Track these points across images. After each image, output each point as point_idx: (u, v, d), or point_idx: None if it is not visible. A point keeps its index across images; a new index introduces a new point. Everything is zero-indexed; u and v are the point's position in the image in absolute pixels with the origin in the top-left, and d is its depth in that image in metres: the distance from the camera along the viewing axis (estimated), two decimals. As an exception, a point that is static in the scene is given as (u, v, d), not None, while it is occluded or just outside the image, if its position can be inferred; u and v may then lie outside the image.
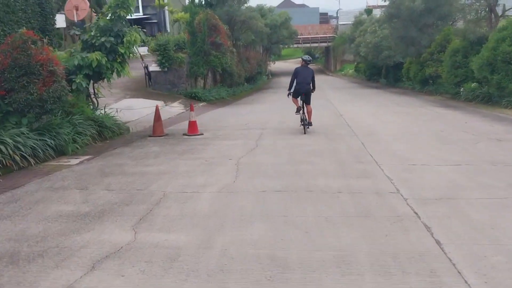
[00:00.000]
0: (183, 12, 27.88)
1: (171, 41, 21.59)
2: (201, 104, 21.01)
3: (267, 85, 39.77)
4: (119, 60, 11.73)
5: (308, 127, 11.99)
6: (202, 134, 12.26)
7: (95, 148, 10.43)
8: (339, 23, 56.40)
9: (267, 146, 10.21)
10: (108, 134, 11.50)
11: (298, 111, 12.20)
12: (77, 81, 10.88)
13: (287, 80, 45.09)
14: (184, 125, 13.48)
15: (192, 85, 22.60)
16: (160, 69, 21.50)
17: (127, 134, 12.45)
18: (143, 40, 11.97)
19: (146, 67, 22.01)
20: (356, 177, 7.20)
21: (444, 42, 24.53)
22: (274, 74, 53.68)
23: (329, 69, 58.38)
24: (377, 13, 45.15)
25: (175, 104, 19.87)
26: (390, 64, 32.25)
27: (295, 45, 56.50)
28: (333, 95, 26.37)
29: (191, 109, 12.48)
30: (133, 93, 21.05)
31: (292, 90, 12.23)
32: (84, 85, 10.98)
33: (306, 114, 12.07)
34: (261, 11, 35.15)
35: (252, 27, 30.34)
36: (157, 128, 12.25)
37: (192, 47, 21.65)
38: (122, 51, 11.33)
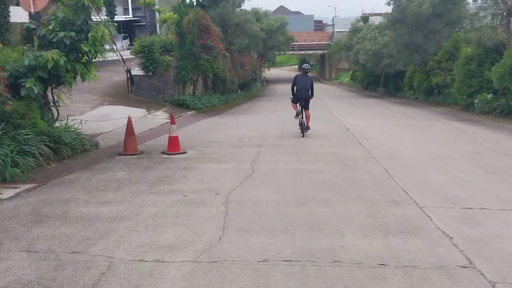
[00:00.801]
0: (171, 12, 25.53)
1: (156, 43, 19.23)
2: (190, 113, 18.63)
3: (261, 93, 37.48)
4: (83, 60, 9.34)
5: (306, 131, 12.25)
6: (185, 152, 9.90)
7: (46, 171, 8.01)
8: (335, 30, 54.40)
9: (266, 173, 7.84)
10: (66, 153, 9.07)
11: (297, 115, 12.49)
12: (27, 86, 8.49)
13: (282, 87, 42.75)
14: (167, 139, 11.18)
15: (179, 91, 20.23)
16: (144, 73, 19.11)
17: (93, 151, 10.03)
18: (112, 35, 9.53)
19: (128, 71, 19.62)
20: (398, 233, 4.86)
21: (453, 50, 22.44)
22: (269, 81, 51.45)
23: (324, 77, 56.32)
24: (375, 20, 43.18)
25: (159, 112, 17.47)
26: (391, 72, 30.11)
27: (290, 52, 54.36)
28: (333, 104, 24.12)
29: (172, 122, 10.08)
30: (113, 99, 18.65)
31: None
32: (36, 91, 8.57)
33: (304, 118, 12.30)
34: (256, 14, 32.91)
35: (246, 31, 28.06)
36: (129, 145, 9.85)
37: (180, 50, 19.30)
38: (86, 49, 8.92)
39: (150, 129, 14.28)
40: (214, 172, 7.91)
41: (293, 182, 7.17)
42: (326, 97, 30.58)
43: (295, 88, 12.51)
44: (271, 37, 36.30)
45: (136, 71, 19.37)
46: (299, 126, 12.39)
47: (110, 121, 15.15)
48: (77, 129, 10.09)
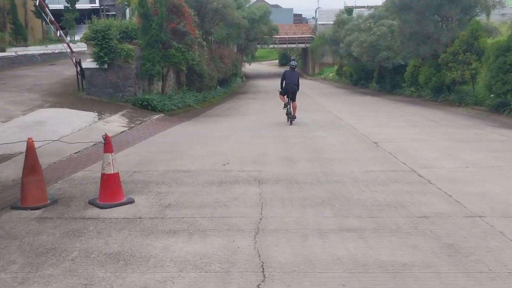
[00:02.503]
0: (136, -7, 20.72)
1: (114, 27, 14.51)
2: (156, 116, 14.03)
3: (243, 89, 32.93)
4: None
5: (293, 119, 12.92)
6: (131, 201, 5.42)
7: None
8: (318, 23, 50.10)
9: (290, 272, 3.46)
10: None
11: (285, 106, 13.15)
12: None
13: (264, 83, 37.94)
14: (118, 160, 6.72)
15: (144, 88, 15.57)
16: (97, 66, 14.39)
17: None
18: None
19: (77, 63, 14.86)
20: None
21: (471, 40, 18.37)
22: (249, 77, 46.87)
23: (306, 72, 52.06)
24: (360, 11, 39.11)
25: (115, 117, 12.82)
26: (388, 67, 25.98)
27: (271, 46, 49.75)
28: (330, 104, 19.81)
29: (107, 149, 5.46)
30: (58, 100, 13.90)
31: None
32: None
33: (292, 109, 12.96)
34: (237, 1, 28.29)
35: (227, 18, 23.46)
36: (30, 191, 5.26)
37: (144, 36, 14.64)
38: None
39: (95, 143, 9.67)
40: (178, 269, 3.48)
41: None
42: (316, 95, 26.28)
43: (284, 82, 13.22)
44: (254, 27, 31.70)
45: (88, 63, 14.63)
46: (287, 116, 13.13)
47: (45, 128, 10.61)
48: None
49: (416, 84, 24.01)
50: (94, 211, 5.13)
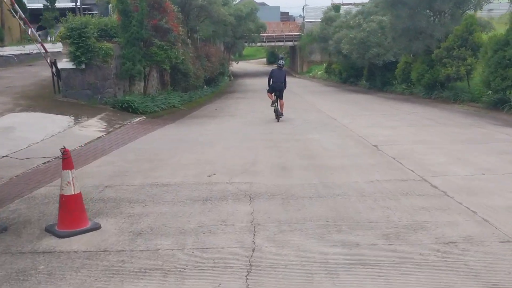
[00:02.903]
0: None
1: (91, 25, 13.47)
2: (138, 119, 13.02)
3: (231, 88, 31.96)
4: None
5: (281, 116, 13.08)
6: (96, 227, 4.47)
7: None
8: (306, 20, 49.26)
9: None
10: None
11: (272, 104, 13.30)
12: None
13: (252, 82, 36.88)
14: (87, 174, 5.80)
15: (125, 89, 14.55)
16: (74, 67, 13.35)
17: None
18: None
19: (53, 64, 13.80)
20: None
21: (466, 35, 17.63)
22: (237, 75, 45.88)
23: (295, 70, 51.19)
24: (347, 8, 38.36)
25: (93, 121, 11.80)
26: (379, 64, 25.21)
27: (259, 44, 48.81)
28: (320, 102, 18.97)
29: (66, 165, 4.47)
30: (31, 103, 12.84)
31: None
32: None
33: (279, 106, 13.15)
34: (223, -1, 27.32)
35: (212, 15, 22.47)
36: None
37: (124, 33, 13.63)
38: None
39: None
40: None
41: None
42: (305, 93, 25.45)
43: (271, 80, 13.41)
44: (241, 25, 30.70)
45: (64, 63, 13.56)
46: (274, 113, 13.23)
47: (14, 135, 9.64)
48: None
49: (407, 81, 23.30)
50: (49, 242, 4.18)
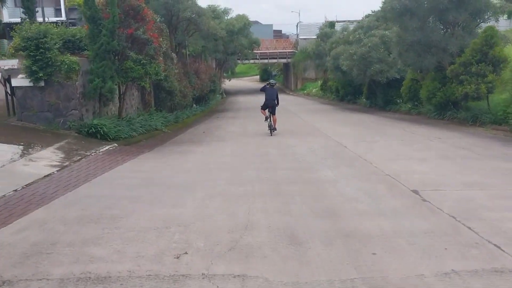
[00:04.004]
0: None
1: (53, 34, 10.97)
2: (107, 148, 10.45)
3: (222, 107, 29.49)
4: None
5: (274, 131, 13.52)
6: None
7: None
8: (300, 37, 47.19)
9: None
10: None
11: (266, 119, 13.80)
12: None
13: (245, 99, 34.24)
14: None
15: (95, 111, 11.99)
16: (31, 84, 10.81)
17: None
18: None
19: (6, 80, 11.26)
20: None
21: (486, 48, 15.35)
22: (229, 93, 43.50)
23: (288, 87, 48.93)
24: (348, 25, 36.28)
25: (47, 152, 9.21)
26: (382, 81, 22.91)
27: (252, 61, 46.62)
28: (323, 124, 16.49)
29: None
30: (-26, 128, 10.24)
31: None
32: None
33: (272, 122, 13.58)
34: (214, 13, 25.05)
35: (201, 28, 20.10)
36: None
37: (92, 45, 11.15)
38: None
39: (2, 196, 6.07)
40: None
41: None
42: (303, 113, 23.04)
43: (264, 97, 13.93)
44: (233, 40, 28.36)
45: (19, 80, 11.01)
46: (267, 128, 13.64)
47: None
48: None
49: (414, 100, 21.04)
50: None
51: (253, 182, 7.03)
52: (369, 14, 32.99)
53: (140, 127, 13.33)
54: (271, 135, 13.13)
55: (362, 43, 23.92)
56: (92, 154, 9.71)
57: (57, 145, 9.84)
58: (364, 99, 27.74)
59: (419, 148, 10.27)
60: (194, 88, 21.36)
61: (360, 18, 36.14)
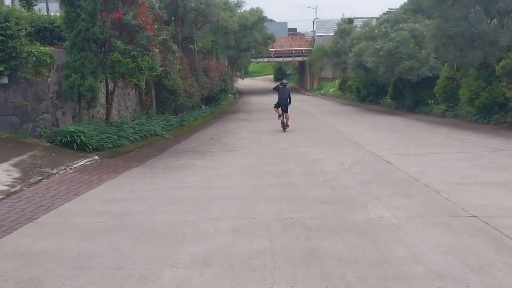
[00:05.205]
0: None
1: (17, 18, 8.64)
2: (83, 162, 8.08)
3: (234, 107, 27.06)
4: None
5: (287, 127, 13.89)
6: None
7: None
8: (316, 34, 44.56)
9: None
10: None
11: (279, 117, 14.20)
12: None
13: (259, 100, 30.94)
14: None
15: (74, 113, 9.63)
16: (-9, 81, 8.50)
17: None
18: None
19: (-39, 76, 8.94)
20: None
21: (547, 40, 12.66)
22: (241, 93, 41.08)
23: (304, 87, 46.29)
24: (369, 20, 33.58)
25: (1, 169, 6.88)
26: (413, 79, 20.21)
27: (266, 59, 44.16)
28: (349, 129, 13.93)
29: None
30: None
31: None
32: None
33: (285, 119, 14.00)
34: (226, 5, 22.63)
35: (211, 20, 17.69)
36: None
37: (69, 32, 8.82)
38: None
39: None
40: None
41: None
42: (321, 114, 20.51)
43: (278, 96, 14.45)
44: (246, 36, 25.88)
45: (-21, 75, 8.70)
46: (281, 125, 13.97)
47: None
48: None
49: (449, 101, 18.36)
50: None
51: (271, 229, 4.55)
52: (388, 11, 30.36)
53: (134, 133, 10.96)
54: (284, 132, 13.49)
55: (389, 38, 21.24)
56: (60, 172, 7.33)
57: (16, 159, 7.49)
58: (389, 100, 25.03)
59: (485, 164, 7.67)
60: (202, 88, 18.98)
61: (378, 16, 33.57)
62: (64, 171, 7.44)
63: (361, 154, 9.17)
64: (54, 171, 7.28)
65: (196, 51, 20.86)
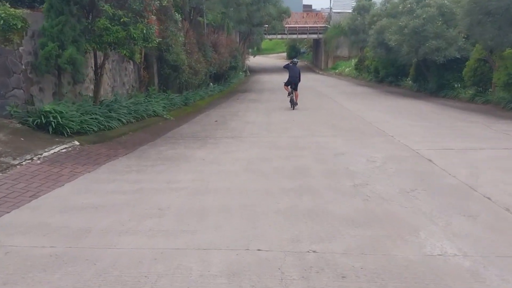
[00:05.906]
0: None
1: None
2: (57, 149, 6.63)
3: (244, 86, 25.36)
4: None
5: (296, 105, 13.99)
6: None
7: None
8: (333, 11, 42.22)
9: None
10: None
11: (289, 94, 14.28)
12: None
13: (270, 78, 27.71)
14: None
15: (55, 89, 8.12)
16: (-48, 49, 6.99)
17: None
18: None
19: None
20: None
21: None
22: (253, 70, 39.21)
23: (318, 66, 44.20)
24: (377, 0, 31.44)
25: None
26: (439, 60, 18.28)
27: (279, 36, 42.04)
28: (373, 114, 12.27)
29: None
30: None
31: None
32: None
33: (294, 97, 14.09)
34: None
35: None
36: None
37: (45, -7, 7.28)
38: None
39: None
40: None
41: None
42: (337, 95, 18.84)
43: (288, 74, 14.52)
44: (259, 9, 23.97)
45: None
46: (290, 103, 14.08)
47: None
48: None
49: (479, 85, 16.54)
50: None
51: (284, 273, 3.04)
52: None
53: (128, 113, 9.46)
54: (293, 109, 13.65)
55: (414, 15, 19.26)
56: (24, 163, 5.88)
57: (-28, 145, 6.05)
58: (410, 82, 23.17)
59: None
60: (210, 64, 17.34)
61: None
62: (30, 161, 5.98)
63: (393, 147, 7.56)
64: (16, 162, 5.83)
65: (205, 24, 19.12)
